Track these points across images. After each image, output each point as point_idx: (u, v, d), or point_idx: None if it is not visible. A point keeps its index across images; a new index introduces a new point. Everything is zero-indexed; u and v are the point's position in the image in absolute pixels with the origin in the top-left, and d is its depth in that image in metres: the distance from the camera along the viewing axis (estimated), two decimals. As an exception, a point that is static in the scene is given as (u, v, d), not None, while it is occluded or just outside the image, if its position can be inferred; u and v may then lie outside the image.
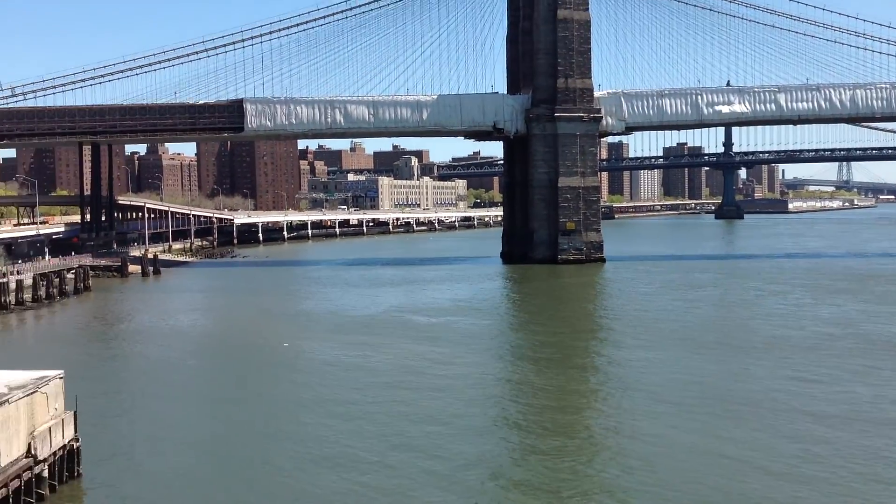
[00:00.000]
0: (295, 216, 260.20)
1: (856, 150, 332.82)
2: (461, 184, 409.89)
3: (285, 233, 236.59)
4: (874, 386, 53.26)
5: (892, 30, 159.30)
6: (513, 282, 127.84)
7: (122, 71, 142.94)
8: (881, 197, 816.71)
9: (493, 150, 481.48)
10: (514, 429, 45.66)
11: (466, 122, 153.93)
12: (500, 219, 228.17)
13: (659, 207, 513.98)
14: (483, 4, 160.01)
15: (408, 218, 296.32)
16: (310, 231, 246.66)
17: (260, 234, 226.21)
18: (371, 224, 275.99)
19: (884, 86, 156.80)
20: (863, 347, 66.31)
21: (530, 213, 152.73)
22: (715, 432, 43.54)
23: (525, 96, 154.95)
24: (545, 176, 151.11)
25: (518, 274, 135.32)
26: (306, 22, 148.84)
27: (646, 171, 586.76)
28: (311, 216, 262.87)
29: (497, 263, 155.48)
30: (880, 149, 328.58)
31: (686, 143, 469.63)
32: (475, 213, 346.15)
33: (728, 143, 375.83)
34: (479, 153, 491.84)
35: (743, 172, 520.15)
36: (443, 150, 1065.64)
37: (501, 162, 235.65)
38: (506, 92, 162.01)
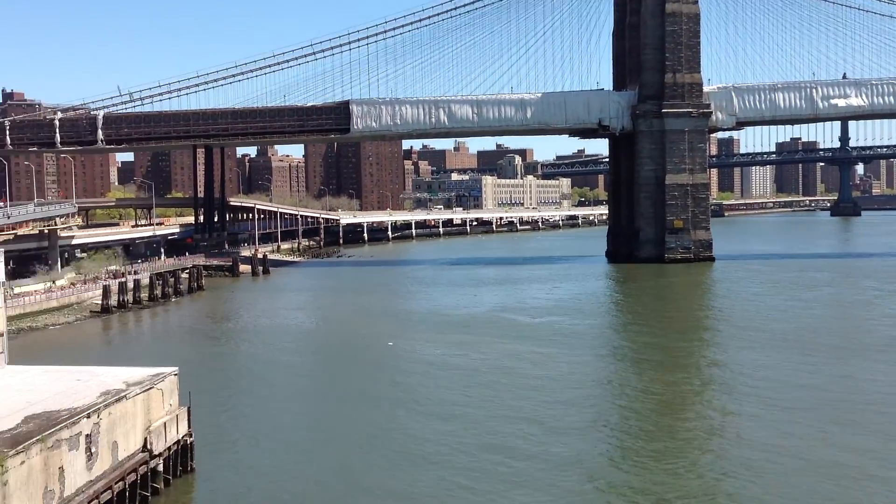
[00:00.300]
0: (399, 216, 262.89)
1: None
2: (565, 182, 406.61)
3: (390, 232, 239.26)
4: None
5: None
6: (617, 281, 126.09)
7: (233, 76, 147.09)
8: None
9: (598, 147, 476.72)
10: (613, 431, 44.99)
11: (571, 120, 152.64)
12: (605, 217, 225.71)
13: (771, 205, 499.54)
14: (589, 1, 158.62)
15: (511, 217, 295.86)
16: (414, 231, 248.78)
17: (365, 234, 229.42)
18: (474, 223, 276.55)
19: None
20: None
21: (636, 212, 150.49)
22: (825, 438, 42.07)
23: (631, 92, 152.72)
24: (652, 173, 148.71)
25: (623, 273, 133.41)
26: (411, 23, 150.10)
27: (757, 168, 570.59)
28: (415, 216, 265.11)
29: (602, 262, 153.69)
30: None
31: (800, 138, 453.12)
32: (579, 211, 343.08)
33: (844, 137, 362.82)
34: (583, 151, 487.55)
35: (860, 168, 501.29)
36: (547, 148, 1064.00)
37: (606, 160, 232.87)
38: (611, 88, 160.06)
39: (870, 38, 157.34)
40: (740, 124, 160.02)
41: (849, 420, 45.39)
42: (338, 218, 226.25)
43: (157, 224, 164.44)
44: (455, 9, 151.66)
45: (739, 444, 41.56)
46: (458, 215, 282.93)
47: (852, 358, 62.28)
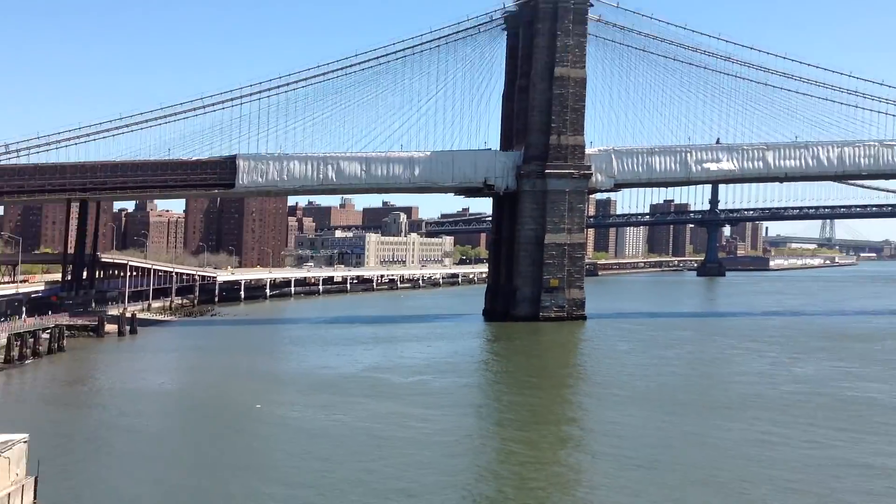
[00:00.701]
0: (278, 273, 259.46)
1: (840, 207, 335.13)
2: (448, 240, 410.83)
3: (268, 290, 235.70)
4: (838, 448, 53.16)
5: (882, 87, 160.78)
6: (492, 340, 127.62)
7: (117, 128, 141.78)
8: (862, 255, 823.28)
9: (483, 206, 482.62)
10: (467, 492, 45.19)
11: (458, 178, 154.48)
12: (484, 276, 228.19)
13: (642, 264, 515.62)
14: (481, 63, 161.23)
15: (392, 275, 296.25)
16: (293, 289, 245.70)
17: (242, 292, 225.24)
18: (355, 281, 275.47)
19: (872, 143, 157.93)
20: (835, 407, 66.36)
21: (515, 270, 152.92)
22: (677, 499, 43.30)
23: (517, 153, 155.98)
24: (532, 232, 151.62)
25: (498, 332, 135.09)
26: (304, 79, 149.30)
27: (632, 228, 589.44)
28: (294, 273, 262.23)
29: (478, 321, 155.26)
30: (864, 206, 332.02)
31: (673, 200, 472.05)
32: (460, 269, 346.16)
33: (714, 200, 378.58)
34: (468, 209, 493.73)
35: (727, 229, 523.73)
36: (433, 206, 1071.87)
37: (489, 218, 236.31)
38: (499, 148, 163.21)
39: (743, 104, 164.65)
40: (618, 186, 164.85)
41: (699, 478, 46.90)
42: (214, 275, 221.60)
43: (20, 281, 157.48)
44: (349, 66, 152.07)
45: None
46: (338, 273, 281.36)
47: (707, 416, 64.58)
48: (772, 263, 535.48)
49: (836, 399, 70.26)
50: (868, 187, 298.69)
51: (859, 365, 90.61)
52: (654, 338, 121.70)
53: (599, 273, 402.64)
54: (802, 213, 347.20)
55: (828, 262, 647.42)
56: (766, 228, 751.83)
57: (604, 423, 61.77)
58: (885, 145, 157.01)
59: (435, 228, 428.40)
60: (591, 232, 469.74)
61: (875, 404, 67.72)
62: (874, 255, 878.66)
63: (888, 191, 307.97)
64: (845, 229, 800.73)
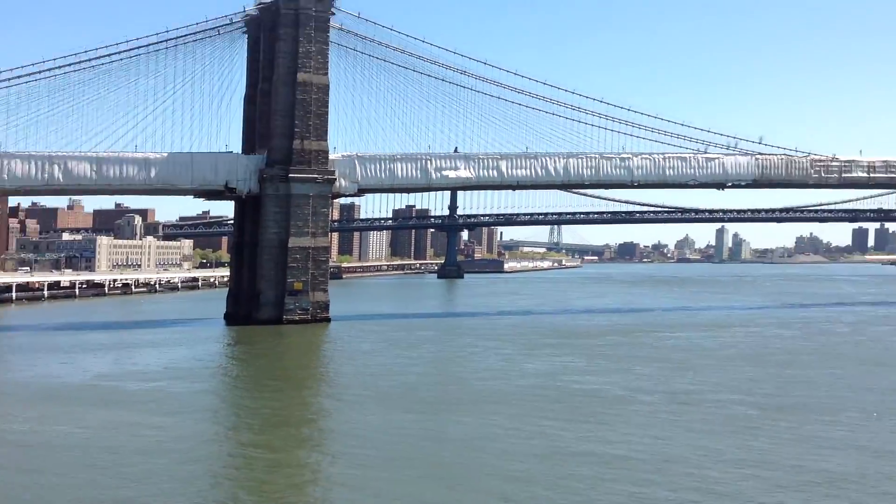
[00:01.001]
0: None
1: (566, 214, 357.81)
2: (188, 243, 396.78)
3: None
4: (564, 438, 56.70)
5: (601, 104, 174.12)
6: (232, 344, 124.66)
7: None
8: (586, 258, 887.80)
9: (224, 209, 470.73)
10: (198, 498, 43.97)
11: (197, 181, 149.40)
12: (226, 279, 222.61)
13: (386, 267, 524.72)
14: (222, 64, 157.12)
15: (126, 279, 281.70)
16: (14, 294, 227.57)
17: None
18: (84, 286, 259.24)
19: (593, 155, 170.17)
20: (563, 400, 70.69)
21: (258, 274, 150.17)
22: (414, 494, 44.36)
23: (260, 156, 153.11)
24: (276, 236, 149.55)
25: (240, 336, 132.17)
26: (28, 74, 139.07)
27: (375, 232, 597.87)
28: (16, 278, 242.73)
29: (219, 325, 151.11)
30: (587, 213, 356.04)
31: (415, 206, 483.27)
32: (201, 273, 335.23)
33: (453, 205, 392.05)
34: (208, 212, 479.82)
35: (465, 234, 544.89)
36: (170, 208, 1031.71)
37: (231, 221, 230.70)
38: (241, 151, 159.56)
39: (479, 116, 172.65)
40: (362, 191, 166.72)
41: (435, 473, 48.28)
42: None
43: None
44: (78, 63, 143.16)
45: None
46: (66, 277, 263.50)
47: (446, 412, 66.67)
48: (506, 266, 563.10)
49: (564, 392, 74.85)
50: (591, 195, 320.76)
51: (585, 360, 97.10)
52: (396, 338, 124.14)
53: (344, 276, 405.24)
54: (533, 219, 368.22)
55: (556, 264, 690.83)
56: (501, 233, 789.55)
57: (344, 424, 62.12)
58: (605, 157, 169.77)
59: (173, 231, 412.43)
60: (335, 236, 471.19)
61: (598, 395, 72.70)
62: (596, 257, 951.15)
63: (608, 199, 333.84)
64: (571, 234, 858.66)
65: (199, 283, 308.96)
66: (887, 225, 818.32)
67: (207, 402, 72.77)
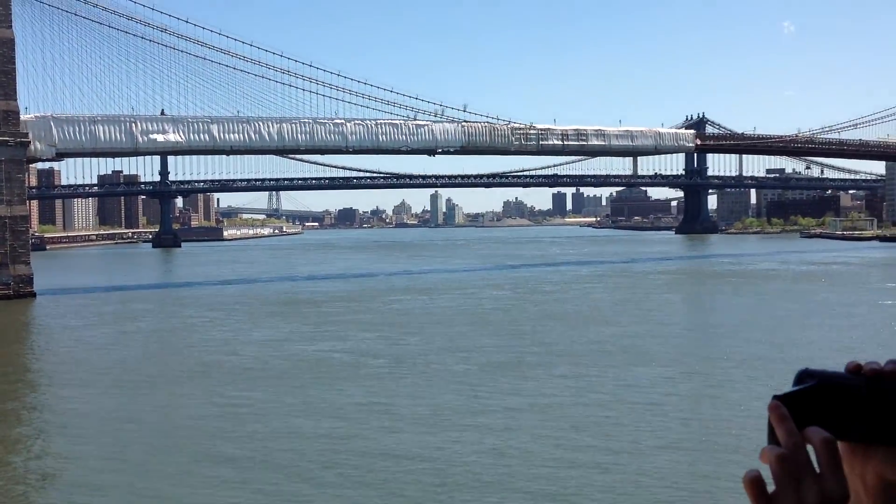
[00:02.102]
0: None
1: (284, 179, 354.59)
2: None
3: None
4: (290, 407, 57.11)
5: (312, 68, 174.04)
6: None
7: None
8: (307, 224, 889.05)
9: None
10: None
11: None
12: None
13: (95, 237, 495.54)
14: None
15: None
16: None
17: None
18: None
19: (307, 120, 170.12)
20: (294, 367, 70.86)
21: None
22: (141, 469, 43.02)
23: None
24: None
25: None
26: None
27: (80, 200, 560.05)
28: None
29: None
30: (305, 179, 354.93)
31: (122, 171, 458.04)
32: None
33: (164, 171, 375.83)
34: None
35: (180, 201, 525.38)
36: None
37: None
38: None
39: (186, 77, 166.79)
40: (61, 155, 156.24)
41: (163, 447, 46.93)
42: None
43: None
44: None
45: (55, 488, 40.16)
46: None
47: (170, 386, 64.68)
48: (226, 234, 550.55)
49: (294, 358, 74.99)
50: (308, 161, 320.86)
51: (312, 327, 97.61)
52: (112, 312, 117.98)
53: (48, 247, 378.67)
54: (251, 186, 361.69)
55: (277, 231, 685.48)
56: (218, 200, 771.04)
57: (61, 403, 58.55)
58: (318, 122, 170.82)
59: None
60: (34, 204, 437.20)
61: (329, 362, 73.52)
62: (317, 224, 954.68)
63: (325, 165, 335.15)
64: (291, 201, 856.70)
65: None
66: (582, 189, 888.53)
67: None
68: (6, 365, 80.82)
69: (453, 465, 41.84)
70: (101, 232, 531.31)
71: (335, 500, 37.68)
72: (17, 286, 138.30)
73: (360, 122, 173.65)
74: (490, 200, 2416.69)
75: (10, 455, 47.51)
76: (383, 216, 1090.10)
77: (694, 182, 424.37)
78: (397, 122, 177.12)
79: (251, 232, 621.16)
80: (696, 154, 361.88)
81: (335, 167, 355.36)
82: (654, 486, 38.62)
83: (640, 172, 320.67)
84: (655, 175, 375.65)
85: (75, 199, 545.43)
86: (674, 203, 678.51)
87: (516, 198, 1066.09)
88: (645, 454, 43.12)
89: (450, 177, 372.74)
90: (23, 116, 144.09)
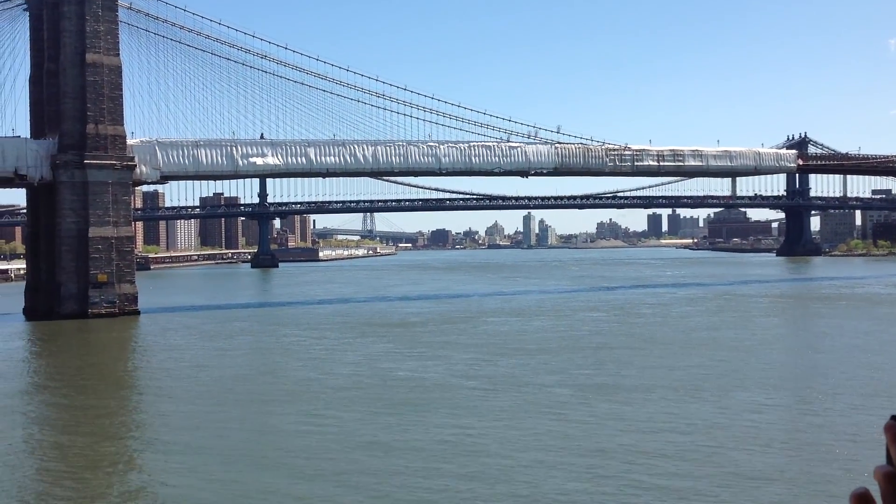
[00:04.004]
0: None
1: (378, 201, 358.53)
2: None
3: None
4: (389, 427, 57.03)
5: (407, 92, 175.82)
6: (35, 340, 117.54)
7: None
8: (400, 245, 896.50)
9: (15, 198, 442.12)
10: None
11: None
12: (23, 272, 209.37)
13: (196, 257, 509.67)
14: (2, 43, 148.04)
15: None
16: None
17: None
18: None
19: (401, 143, 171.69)
20: (387, 387, 70.94)
21: (57, 266, 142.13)
22: (233, 485, 43.47)
23: (51, 141, 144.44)
24: (74, 226, 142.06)
25: (43, 331, 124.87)
26: None
27: (183, 221, 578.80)
28: None
29: (19, 321, 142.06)
30: (398, 200, 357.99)
31: (222, 194, 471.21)
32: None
33: (263, 194, 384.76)
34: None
35: (277, 222, 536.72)
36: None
37: (24, 211, 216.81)
38: (29, 136, 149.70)
39: (284, 102, 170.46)
40: (165, 178, 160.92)
41: (256, 461, 47.39)
42: None
43: None
44: None
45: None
46: None
47: (266, 405, 65.48)
48: (321, 254, 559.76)
49: (388, 379, 75.11)
50: (401, 183, 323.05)
51: (406, 347, 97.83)
52: (212, 330, 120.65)
53: (152, 267, 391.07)
54: (345, 207, 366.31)
55: (371, 251, 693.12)
56: (314, 221, 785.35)
57: (160, 418, 59.86)
58: (413, 145, 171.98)
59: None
60: (140, 225, 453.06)
61: (422, 384, 73.32)
62: (410, 245, 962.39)
63: (418, 186, 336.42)
64: (384, 222, 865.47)
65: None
66: (678, 211, 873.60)
67: (15, 403, 68.02)
68: (110, 380, 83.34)
69: (537, 488, 41.02)
70: (203, 252, 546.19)
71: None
72: (123, 304, 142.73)
73: (453, 144, 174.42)
74: (583, 221, 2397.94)
75: (110, 466, 48.69)
76: (476, 237, 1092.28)
77: (796, 203, 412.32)
78: (490, 143, 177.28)
79: (346, 253, 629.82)
80: (797, 174, 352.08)
81: (428, 188, 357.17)
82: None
83: (738, 193, 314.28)
84: (755, 196, 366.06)
85: (178, 221, 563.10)
86: (774, 224, 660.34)
87: (610, 219, 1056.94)
88: (745, 480, 41.51)
89: (543, 198, 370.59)
90: (129, 141, 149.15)
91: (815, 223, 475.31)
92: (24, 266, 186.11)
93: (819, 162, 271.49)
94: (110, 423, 60.85)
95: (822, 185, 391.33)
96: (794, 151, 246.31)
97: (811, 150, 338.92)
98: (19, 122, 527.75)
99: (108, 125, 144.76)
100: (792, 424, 55.96)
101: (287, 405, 64.22)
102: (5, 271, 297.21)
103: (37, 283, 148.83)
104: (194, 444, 51.97)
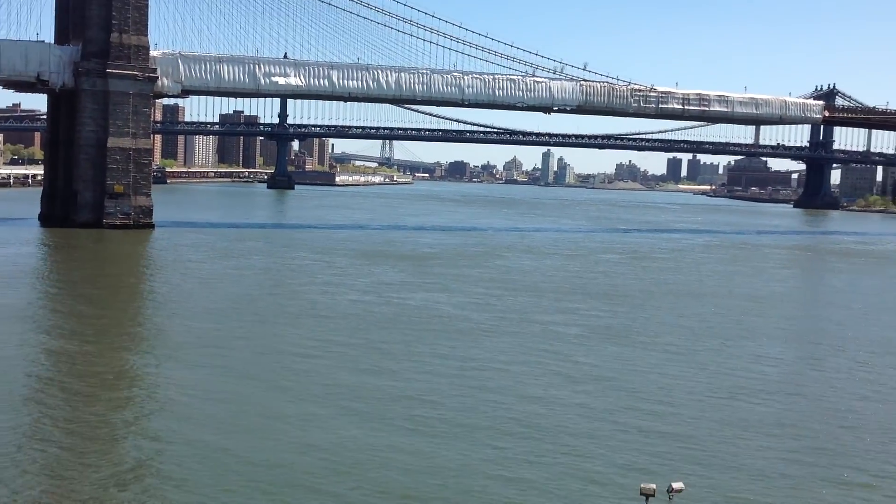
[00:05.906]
0: None
1: (397, 129, 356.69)
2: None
3: None
4: (389, 353, 57.49)
5: (434, 19, 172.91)
6: (51, 248, 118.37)
7: None
8: (417, 175, 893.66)
9: (37, 103, 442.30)
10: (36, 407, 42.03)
11: (5, 70, 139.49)
12: (41, 178, 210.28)
13: (213, 174, 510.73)
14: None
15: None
16: None
17: None
18: None
19: (425, 71, 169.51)
20: (393, 314, 71.30)
21: (75, 174, 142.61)
22: (242, 398, 44.08)
23: (75, 48, 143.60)
24: (93, 135, 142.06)
25: (58, 239, 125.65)
26: None
27: (201, 137, 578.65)
28: None
29: (35, 226, 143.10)
30: (418, 129, 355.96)
31: (242, 112, 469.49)
32: (12, 170, 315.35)
33: (283, 114, 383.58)
34: (19, 105, 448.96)
35: (296, 144, 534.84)
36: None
37: (44, 116, 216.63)
38: (53, 41, 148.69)
39: (309, 22, 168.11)
40: (186, 92, 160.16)
41: (262, 376, 47.96)
42: None
43: None
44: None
45: (162, 409, 41.49)
46: None
47: (278, 323, 66.06)
48: (338, 179, 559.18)
49: (397, 307, 75.46)
50: (422, 112, 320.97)
51: (418, 277, 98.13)
52: (225, 248, 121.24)
53: (169, 181, 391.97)
54: (365, 133, 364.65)
55: (388, 180, 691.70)
56: (333, 145, 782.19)
57: (173, 331, 60.54)
58: (437, 74, 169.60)
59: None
60: (158, 138, 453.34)
61: (429, 313, 73.59)
62: (427, 175, 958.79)
63: (439, 117, 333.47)
64: (403, 151, 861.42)
65: (11, 181, 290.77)
66: (699, 156, 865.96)
67: (30, 310, 68.73)
68: (122, 292, 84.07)
69: (537, 421, 41.42)
70: (220, 169, 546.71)
71: (427, 441, 37.79)
72: (137, 216, 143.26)
73: (477, 75, 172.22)
74: (602, 162, 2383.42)
75: (123, 379, 49.39)
76: (493, 171, 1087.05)
77: (818, 155, 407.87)
78: (515, 77, 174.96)
79: (363, 179, 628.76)
80: (822, 126, 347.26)
81: (449, 119, 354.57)
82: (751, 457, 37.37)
83: (761, 142, 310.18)
84: (778, 145, 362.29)
85: (197, 136, 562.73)
86: (794, 176, 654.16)
87: (630, 161, 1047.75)
88: (741, 430, 41.80)
89: (563, 136, 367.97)
90: (152, 52, 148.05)
91: (835, 176, 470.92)
92: (42, 172, 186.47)
93: (845, 114, 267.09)
94: (118, 334, 61.56)
95: (846, 139, 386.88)
96: (820, 102, 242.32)
97: (839, 102, 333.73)
98: (44, 27, 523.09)
99: (132, 35, 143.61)
100: (796, 377, 56.03)
101: (295, 326, 64.78)
102: (26, 177, 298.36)
103: (53, 190, 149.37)
104: (199, 361, 52.61)
